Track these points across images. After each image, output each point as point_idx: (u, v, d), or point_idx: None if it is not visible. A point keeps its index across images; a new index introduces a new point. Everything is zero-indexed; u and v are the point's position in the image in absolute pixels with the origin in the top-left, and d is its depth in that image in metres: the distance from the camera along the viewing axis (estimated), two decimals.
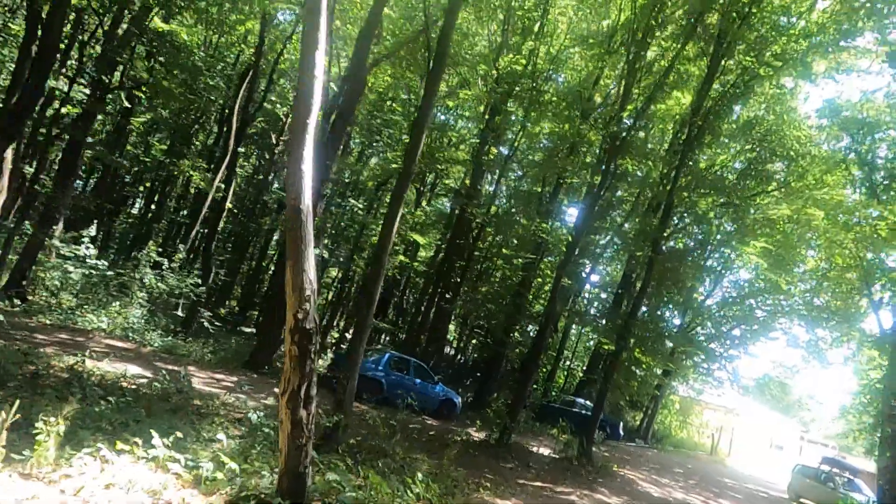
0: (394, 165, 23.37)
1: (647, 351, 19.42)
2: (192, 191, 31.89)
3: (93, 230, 18.87)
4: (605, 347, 23.18)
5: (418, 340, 28.92)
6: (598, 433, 25.94)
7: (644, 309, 24.33)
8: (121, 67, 20.41)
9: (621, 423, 26.53)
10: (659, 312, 29.26)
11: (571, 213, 30.41)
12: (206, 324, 21.75)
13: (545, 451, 18.72)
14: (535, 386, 31.88)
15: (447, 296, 24.14)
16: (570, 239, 23.24)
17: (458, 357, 34.96)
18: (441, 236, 26.71)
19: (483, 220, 22.78)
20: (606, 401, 35.04)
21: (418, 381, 20.11)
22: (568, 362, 40.26)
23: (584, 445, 17.56)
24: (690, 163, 18.28)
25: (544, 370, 34.19)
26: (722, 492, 20.87)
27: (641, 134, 19.69)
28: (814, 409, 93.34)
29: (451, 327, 32.40)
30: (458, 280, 24.48)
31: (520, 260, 23.63)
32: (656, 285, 24.53)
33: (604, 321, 25.25)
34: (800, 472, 25.02)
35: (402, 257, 25.14)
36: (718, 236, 24.54)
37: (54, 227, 18.28)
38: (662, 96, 18.37)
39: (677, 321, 33.83)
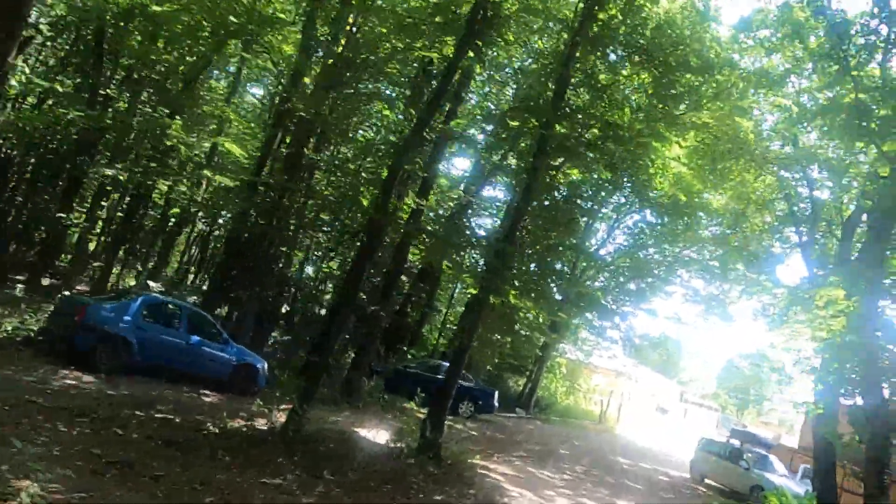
0: None
1: (525, 293, 13.69)
2: None
3: None
4: (471, 291, 17.42)
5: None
6: (466, 405, 20.37)
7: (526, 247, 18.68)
8: None
9: (496, 393, 21.10)
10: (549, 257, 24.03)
11: None
12: None
13: (382, 440, 12.73)
14: (405, 347, 26.06)
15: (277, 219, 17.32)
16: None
17: (310, 305, 28.14)
18: (262, 143, 19.66)
19: (313, 118, 15.99)
20: (480, 366, 30.46)
21: (195, 338, 13.38)
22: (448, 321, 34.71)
23: (430, 432, 11.65)
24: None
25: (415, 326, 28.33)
26: (618, 481, 15.83)
27: None
28: (691, 369, 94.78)
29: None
30: (288, 201, 17.71)
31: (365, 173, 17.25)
32: (544, 217, 18.97)
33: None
34: (705, 449, 20.70)
35: (207, 171, 17.95)
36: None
37: None
38: None
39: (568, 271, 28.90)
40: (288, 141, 18.74)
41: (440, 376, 20.66)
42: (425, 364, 21.45)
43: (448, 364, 21.74)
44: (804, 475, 19.40)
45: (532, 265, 19.15)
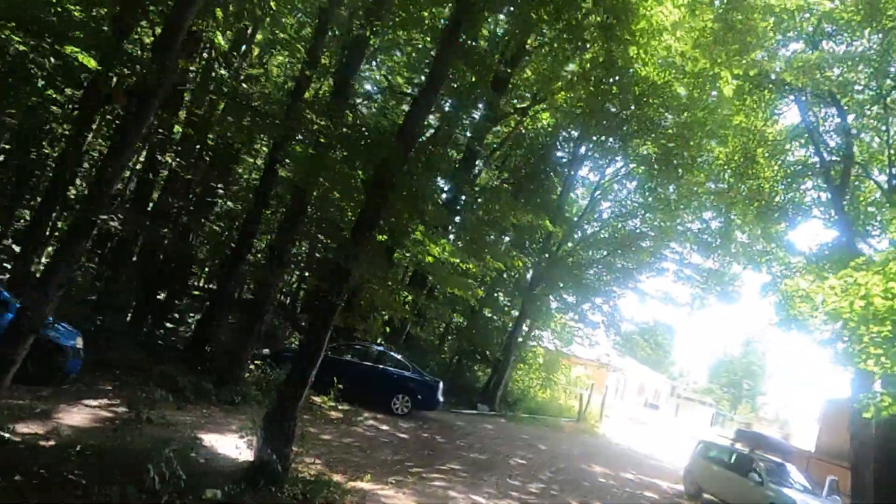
0: None
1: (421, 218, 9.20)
2: None
3: None
4: None
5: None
6: (401, 400, 16.01)
7: None
8: None
9: (440, 384, 16.63)
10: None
11: None
12: None
13: (222, 450, 8.30)
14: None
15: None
16: None
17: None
18: None
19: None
20: (430, 350, 25.97)
21: None
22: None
23: (265, 445, 7.15)
24: None
25: None
26: None
27: None
28: (682, 361, 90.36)
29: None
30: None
31: None
32: None
33: None
34: (703, 455, 16.29)
35: None
36: None
37: None
38: None
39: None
40: None
41: (368, 363, 16.27)
42: (355, 349, 16.92)
43: (377, 347, 17.37)
44: (833, 490, 14.99)
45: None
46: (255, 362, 14.92)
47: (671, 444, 27.93)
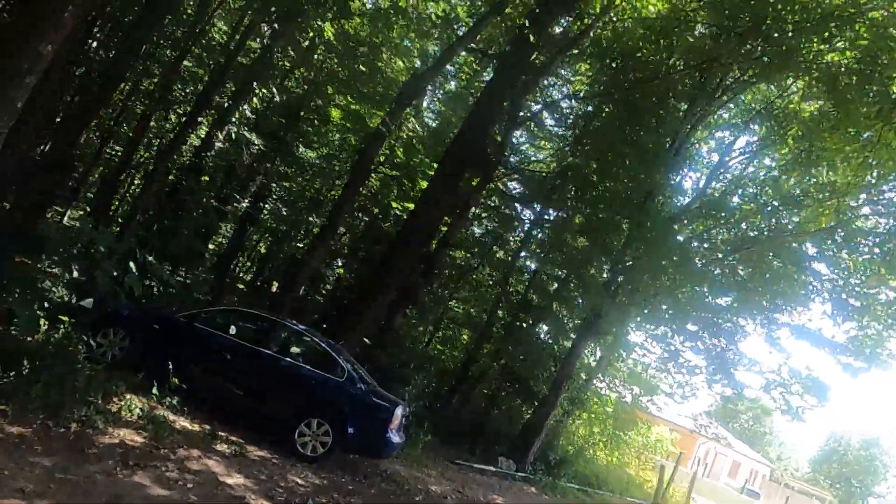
0: None
1: None
2: None
3: None
4: None
5: None
6: (315, 429, 8.01)
7: None
8: None
9: (397, 409, 8.53)
10: None
11: None
12: None
13: None
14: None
15: None
16: None
17: None
18: None
19: None
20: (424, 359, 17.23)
21: None
22: None
23: None
24: None
25: None
26: None
27: None
28: (782, 440, 75.98)
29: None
30: None
31: None
32: None
33: None
34: None
35: None
36: None
37: None
38: None
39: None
40: None
41: (263, 348, 8.51)
42: (244, 319, 9.32)
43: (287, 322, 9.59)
44: None
45: None
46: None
47: None
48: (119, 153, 22.09)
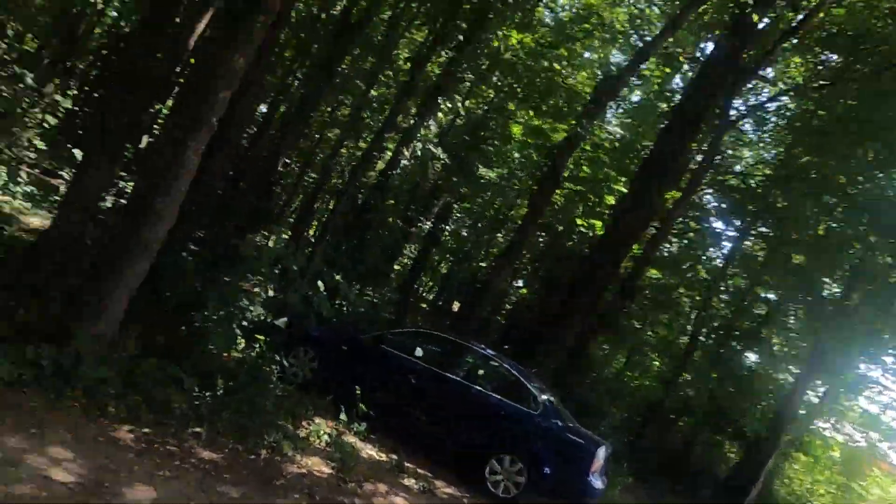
0: None
1: None
2: None
3: None
4: None
5: None
6: (508, 465, 7.21)
7: None
8: None
9: (600, 450, 7.41)
10: None
11: None
12: None
13: None
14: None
15: None
16: None
17: None
18: None
19: None
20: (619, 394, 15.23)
21: None
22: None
23: None
24: None
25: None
26: None
27: None
28: None
29: None
30: None
31: None
32: None
33: None
34: None
35: None
36: None
37: None
38: None
39: None
40: None
41: (450, 373, 7.93)
42: (429, 340, 8.79)
43: (486, 350, 8.82)
44: None
45: None
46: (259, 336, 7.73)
47: None
48: (316, 180, 23.60)
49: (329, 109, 20.58)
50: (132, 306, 5.94)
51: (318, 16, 17.26)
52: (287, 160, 18.44)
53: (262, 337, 7.80)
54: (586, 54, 19.24)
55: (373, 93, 17.06)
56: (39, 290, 6.97)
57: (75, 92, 23.88)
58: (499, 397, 7.79)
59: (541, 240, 22.26)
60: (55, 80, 22.15)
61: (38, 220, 11.02)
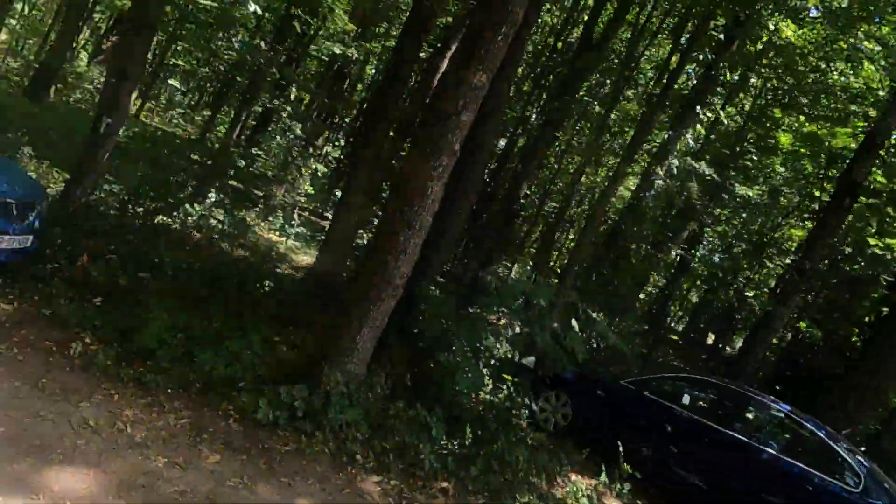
0: None
1: None
2: None
3: None
4: None
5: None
6: None
7: None
8: None
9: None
10: None
11: None
12: None
13: None
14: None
15: None
16: None
17: None
18: None
19: None
20: None
21: None
22: None
23: None
24: None
25: None
26: None
27: None
28: None
29: None
30: None
31: None
32: None
33: None
34: None
35: None
36: None
37: None
38: None
39: None
40: None
41: (735, 432, 6.53)
42: (702, 389, 7.40)
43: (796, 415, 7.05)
44: None
45: None
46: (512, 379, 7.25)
47: None
48: (556, 209, 23.13)
49: (568, 137, 20.06)
50: (380, 344, 5.75)
51: (555, 44, 16.90)
52: (527, 191, 18.21)
53: (509, 377, 7.24)
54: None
55: (613, 116, 16.12)
56: (300, 326, 7.24)
57: (342, 142, 26.67)
58: (801, 465, 6.16)
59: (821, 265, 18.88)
60: (325, 132, 25.02)
61: (307, 258, 11.94)
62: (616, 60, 15.69)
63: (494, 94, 6.75)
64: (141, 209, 8.15)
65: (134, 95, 7.33)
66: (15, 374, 4.00)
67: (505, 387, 7.09)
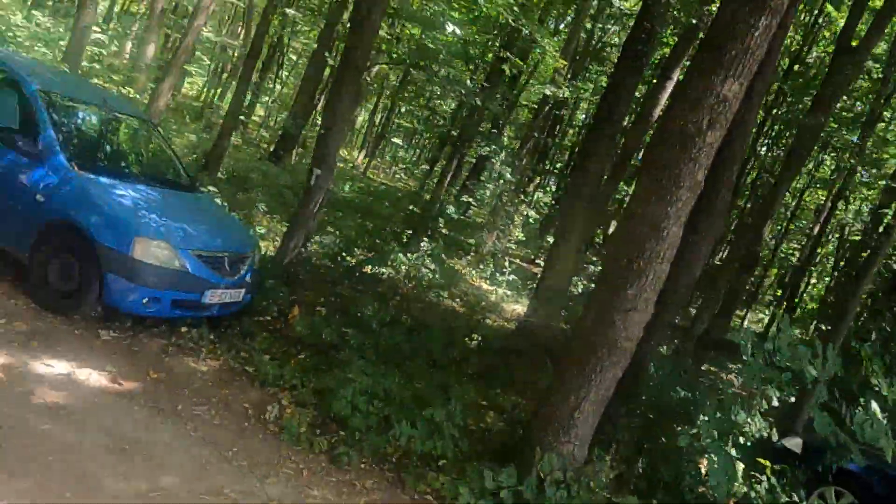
0: None
1: None
2: None
3: None
4: None
5: None
6: None
7: None
8: None
9: None
10: None
11: None
12: None
13: None
14: None
15: None
16: None
17: None
18: None
19: None
20: None
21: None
22: None
23: None
24: None
25: None
26: None
27: None
28: None
29: None
30: None
31: None
32: None
33: None
34: None
35: None
36: None
37: None
38: None
39: None
40: None
41: None
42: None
43: None
44: None
45: None
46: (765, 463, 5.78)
47: None
48: (795, 251, 20.03)
49: (811, 166, 17.38)
50: (604, 417, 4.73)
51: (800, 50, 14.65)
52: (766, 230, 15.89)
53: (767, 463, 5.66)
54: None
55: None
56: (509, 386, 6.47)
57: (553, 188, 26.08)
58: None
59: None
60: (536, 177, 24.67)
61: (519, 307, 11.26)
62: (879, 69, 13.01)
63: (741, 109, 5.49)
64: (353, 260, 8.13)
65: (341, 149, 7.35)
66: (207, 442, 3.74)
67: (765, 477, 5.53)
